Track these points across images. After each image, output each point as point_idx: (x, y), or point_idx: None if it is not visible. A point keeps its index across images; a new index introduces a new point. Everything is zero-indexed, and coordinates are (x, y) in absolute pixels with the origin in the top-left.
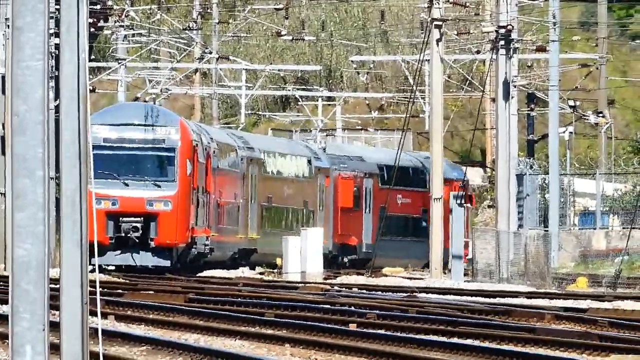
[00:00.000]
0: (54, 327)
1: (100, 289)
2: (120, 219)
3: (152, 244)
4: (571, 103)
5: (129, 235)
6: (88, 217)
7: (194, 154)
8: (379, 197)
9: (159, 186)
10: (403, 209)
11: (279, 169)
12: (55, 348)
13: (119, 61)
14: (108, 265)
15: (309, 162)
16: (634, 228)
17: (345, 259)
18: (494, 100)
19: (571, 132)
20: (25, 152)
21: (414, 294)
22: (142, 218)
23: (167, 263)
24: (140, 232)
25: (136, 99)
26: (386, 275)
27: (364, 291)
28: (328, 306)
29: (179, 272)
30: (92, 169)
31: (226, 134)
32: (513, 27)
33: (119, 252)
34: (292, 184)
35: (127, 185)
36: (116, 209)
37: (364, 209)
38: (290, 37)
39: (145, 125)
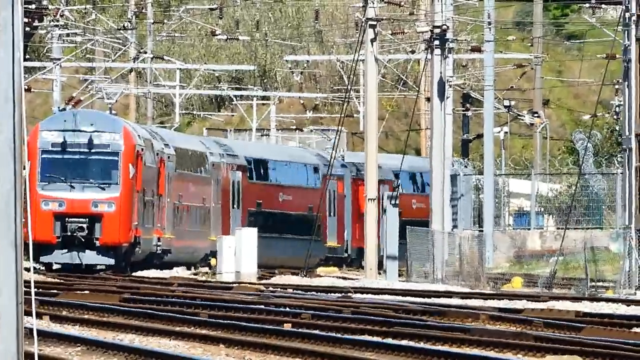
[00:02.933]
0: None
1: (35, 289)
2: (67, 219)
3: (97, 243)
4: (506, 103)
5: (75, 234)
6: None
7: (138, 158)
8: (249, 193)
9: (103, 189)
10: (283, 206)
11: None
12: None
13: (54, 61)
14: (54, 264)
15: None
16: (568, 228)
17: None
18: (428, 100)
19: (506, 132)
20: None
21: (349, 294)
22: (87, 219)
23: (112, 262)
24: (86, 231)
25: (71, 98)
26: (321, 276)
27: (299, 291)
28: (262, 306)
29: (123, 271)
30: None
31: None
32: (448, 27)
33: (65, 250)
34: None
35: (73, 187)
36: (63, 210)
37: (232, 204)
38: (225, 37)
39: (91, 131)
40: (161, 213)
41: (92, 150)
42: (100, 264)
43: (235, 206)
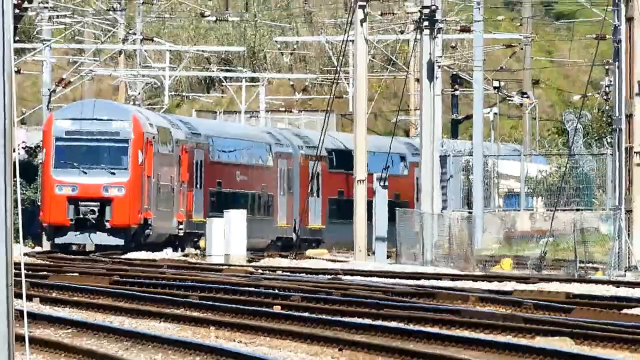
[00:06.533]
0: None
1: (25, 271)
2: (79, 203)
3: (108, 225)
4: (496, 84)
5: (87, 217)
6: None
7: (147, 145)
8: (210, 173)
9: (113, 174)
10: (242, 186)
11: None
12: None
13: (44, 42)
14: (70, 245)
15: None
16: (558, 210)
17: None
18: (418, 80)
19: (496, 113)
20: None
21: (338, 276)
22: (98, 202)
23: (121, 242)
24: (97, 214)
25: (61, 80)
26: (310, 258)
27: (288, 273)
28: (252, 289)
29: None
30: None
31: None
32: (437, 7)
33: (78, 232)
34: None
35: (85, 173)
36: (76, 194)
37: (195, 184)
38: (214, 18)
39: (102, 119)
40: (185, 198)
41: (103, 138)
42: (111, 244)
43: (197, 186)
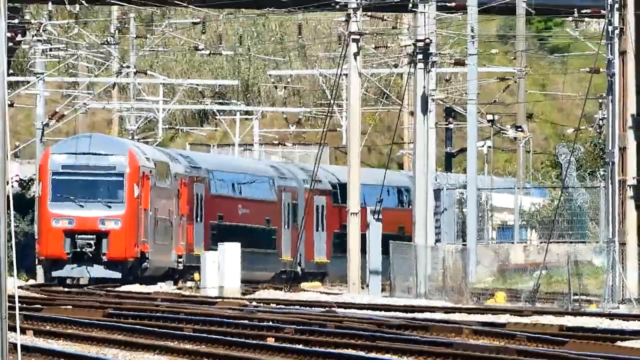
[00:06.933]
0: None
1: (19, 304)
2: (76, 236)
3: (105, 258)
4: (489, 117)
5: (83, 250)
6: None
7: (144, 179)
8: (211, 206)
9: (109, 207)
10: (244, 219)
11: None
12: None
13: (37, 75)
14: (66, 278)
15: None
16: (551, 242)
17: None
18: (412, 114)
19: (489, 146)
20: None
21: (332, 308)
22: (95, 235)
23: (118, 275)
24: (94, 247)
25: (54, 113)
26: (304, 290)
27: (282, 306)
28: (246, 321)
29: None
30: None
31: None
32: (431, 40)
33: (75, 265)
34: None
35: (82, 206)
36: (72, 227)
37: (195, 217)
38: (208, 52)
39: (98, 154)
40: (184, 231)
41: (99, 172)
42: (108, 278)
43: (198, 219)
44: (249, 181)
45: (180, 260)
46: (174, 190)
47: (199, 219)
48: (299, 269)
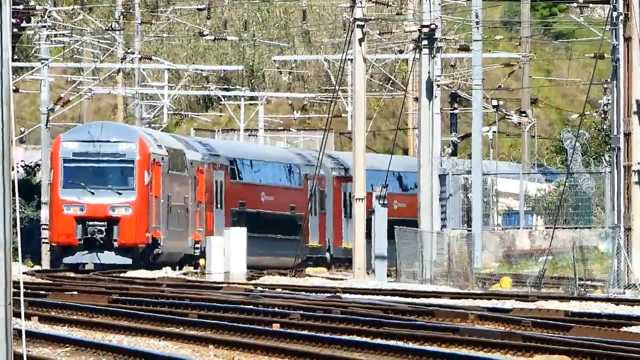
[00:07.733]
0: None
1: (24, 290)
2: (87, 222)
3: (115, 244)
4: (494, 102)
5: (94, 237)
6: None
7: (154, 165)
8: (232, 193)
9: (120, 194)
10: (267, 206)
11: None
12: None
13: (42, 61)
14: (79, 265)
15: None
16: (557, 228)
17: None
18: (417, 99)
19: (494, 132)
20: None
21: (338, 294)
22: (105, 222)
23: (129, 261)
24: (105, 234)
25: (59, 99)
26: (310, 276)
27: (287, 291)
28: (251, 307)
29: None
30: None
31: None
32: (436, 26)
33: (86, 252)
34: None
35: (93, 193)
36: (83, 214)
37: (215, 204)
38: (213, 37)
39: (109, 141)
40: (202, 218)
41: (110, 159)
42: (119, 264)
43: (218, 206)
44: (273, 169)
45: (197, 246)
46: (191, 177)
47: (219, 206)
48: (327, 255)
